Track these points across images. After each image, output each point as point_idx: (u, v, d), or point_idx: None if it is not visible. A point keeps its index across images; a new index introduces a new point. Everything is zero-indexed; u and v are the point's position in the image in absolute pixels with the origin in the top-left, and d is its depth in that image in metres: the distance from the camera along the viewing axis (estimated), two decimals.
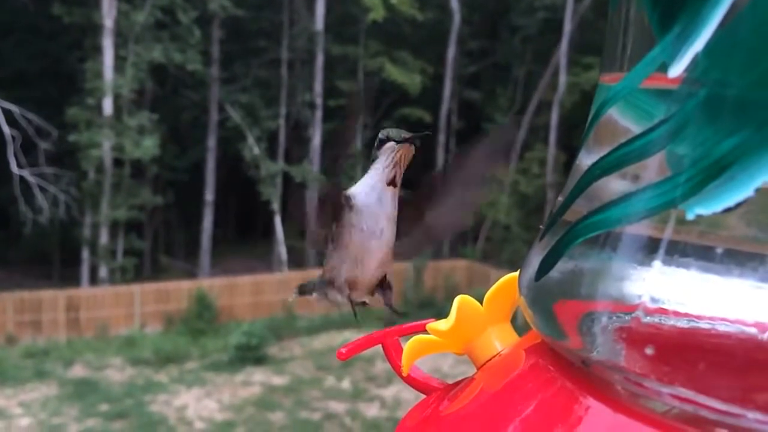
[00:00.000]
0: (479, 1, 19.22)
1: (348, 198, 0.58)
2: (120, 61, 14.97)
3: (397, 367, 0.52)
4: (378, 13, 15.99)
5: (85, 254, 15.17)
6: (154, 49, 15.05)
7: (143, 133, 14.92)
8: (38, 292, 13.37)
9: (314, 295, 0.66)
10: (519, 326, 0.51)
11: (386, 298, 0.62)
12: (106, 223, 15.00)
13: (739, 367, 0.30)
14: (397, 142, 0.57)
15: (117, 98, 14.91)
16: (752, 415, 0.29)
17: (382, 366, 11.12)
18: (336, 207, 0.59)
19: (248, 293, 14.41)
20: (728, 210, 0.31)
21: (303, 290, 0.68)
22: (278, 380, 11.42)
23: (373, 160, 0.58)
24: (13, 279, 14.92)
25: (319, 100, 17.26)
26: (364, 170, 0.59)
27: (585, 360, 0.36)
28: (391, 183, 0.57)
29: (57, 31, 15.86)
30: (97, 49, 15.02)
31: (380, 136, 0.59)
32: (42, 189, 14.56)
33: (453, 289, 14.61)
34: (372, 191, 0.58)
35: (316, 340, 13.14)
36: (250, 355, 11.91)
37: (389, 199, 0.57)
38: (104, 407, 10.28)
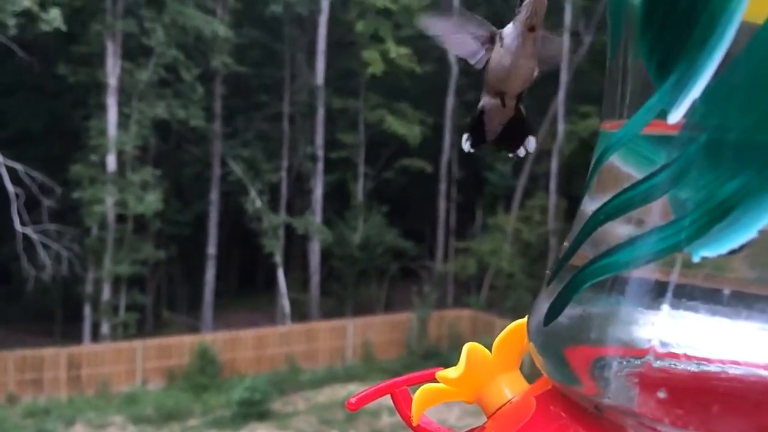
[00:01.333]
0: None
1: (501, 38, 0.75)
2: (124, 118, 15.16)
3: (406, 418, 0.52)
4: (377, 68, 16.24)
5: (87, 310, 15.08)
6: (158, 106, 15.27)
7: (146, 188, 15.01)
8: (40, 350, 13.25)
9: (480, 104, 0.82)
10: (524, 374, 0.51)
11: (520, 105, 0.81)
12: (109, 279, 14.96)
13: (752, 409, 0.30)
14: None
15: (120, 154, 15.06)
16: None
17: (387, 419, 10.93)
18: (492, 41, 0.77)
19: (251, 347, 14.27)
20: (733, 252, 0.31)
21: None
22: None
23: (517, 14, 0.74)
24: (14, 337, 14.80)
25: (320, 153, 17.42)
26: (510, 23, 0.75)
27: (598, 405, 0.35)
28: (531, 29, 0.73)
29: (61, 89, 16.10)
30: (101, 107, 15.23)
31: None
32: (45, 246, 14.57)
33: (457, 338, 14.47)
34: (516, 38, 0.74)
35: (320, 394, 12.95)
36: (253, 410, 11.73)
37: (530, 42, 0.74)
38: None
